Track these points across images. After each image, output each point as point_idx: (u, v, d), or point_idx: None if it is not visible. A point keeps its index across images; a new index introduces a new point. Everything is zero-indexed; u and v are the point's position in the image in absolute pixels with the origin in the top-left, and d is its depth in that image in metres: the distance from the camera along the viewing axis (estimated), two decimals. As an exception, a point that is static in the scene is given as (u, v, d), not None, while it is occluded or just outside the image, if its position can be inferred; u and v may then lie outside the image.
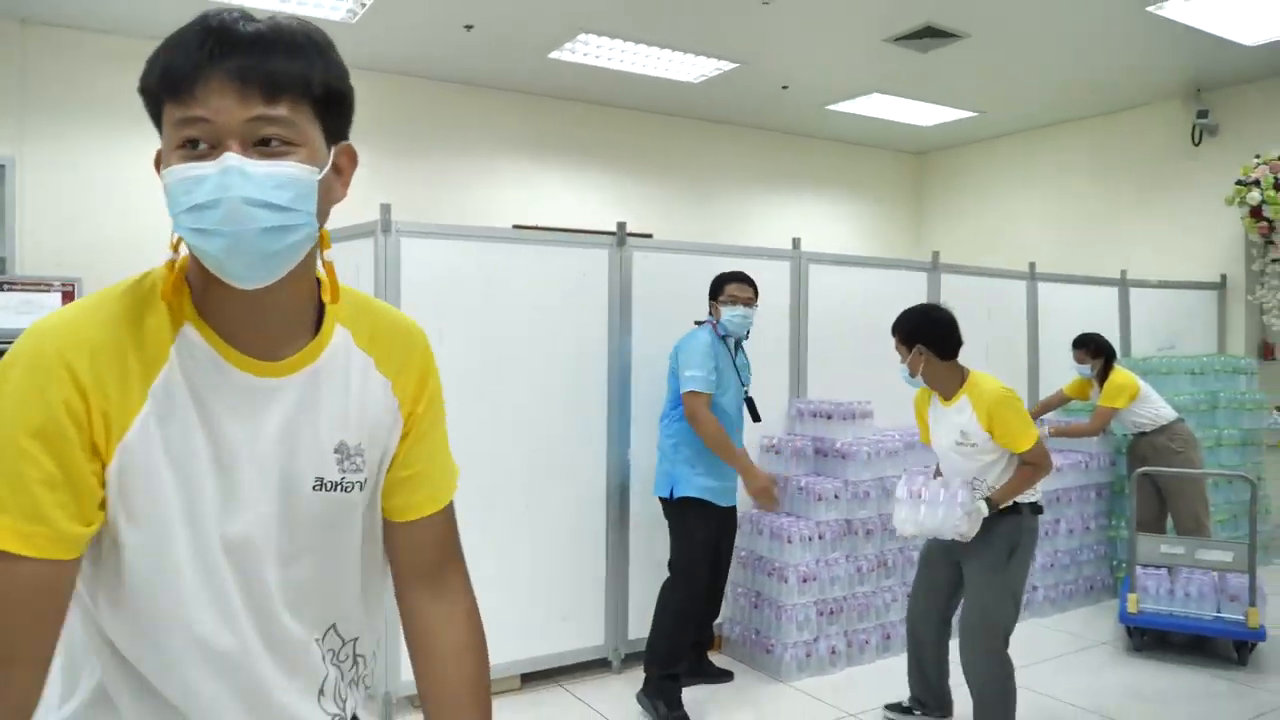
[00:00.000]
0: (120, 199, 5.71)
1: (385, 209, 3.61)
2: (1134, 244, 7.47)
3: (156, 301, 0.96)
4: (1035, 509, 3.24)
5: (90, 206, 5.72)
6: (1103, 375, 5.09)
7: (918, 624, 3.53)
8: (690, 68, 6.66)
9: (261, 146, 0.92)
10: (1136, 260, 7.12)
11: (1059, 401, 5.48)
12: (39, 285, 5.19)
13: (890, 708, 3.67)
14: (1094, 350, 5.15)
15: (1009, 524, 3.18)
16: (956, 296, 4.65)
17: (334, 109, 0.99)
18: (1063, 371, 5.48)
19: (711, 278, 3.90)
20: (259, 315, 1.00)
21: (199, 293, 0.98)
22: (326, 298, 1.05)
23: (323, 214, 0.99)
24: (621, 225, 4.23)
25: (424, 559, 1.17)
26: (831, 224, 8.97)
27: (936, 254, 5.39)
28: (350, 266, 3.59)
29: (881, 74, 6.85)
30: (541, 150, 7.41)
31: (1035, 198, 8.38)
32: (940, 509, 3.13)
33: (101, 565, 0.97)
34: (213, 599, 0.99)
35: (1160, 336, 6.60)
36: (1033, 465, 3.13)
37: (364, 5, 5.33)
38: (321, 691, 1.09)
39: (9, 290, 5.09)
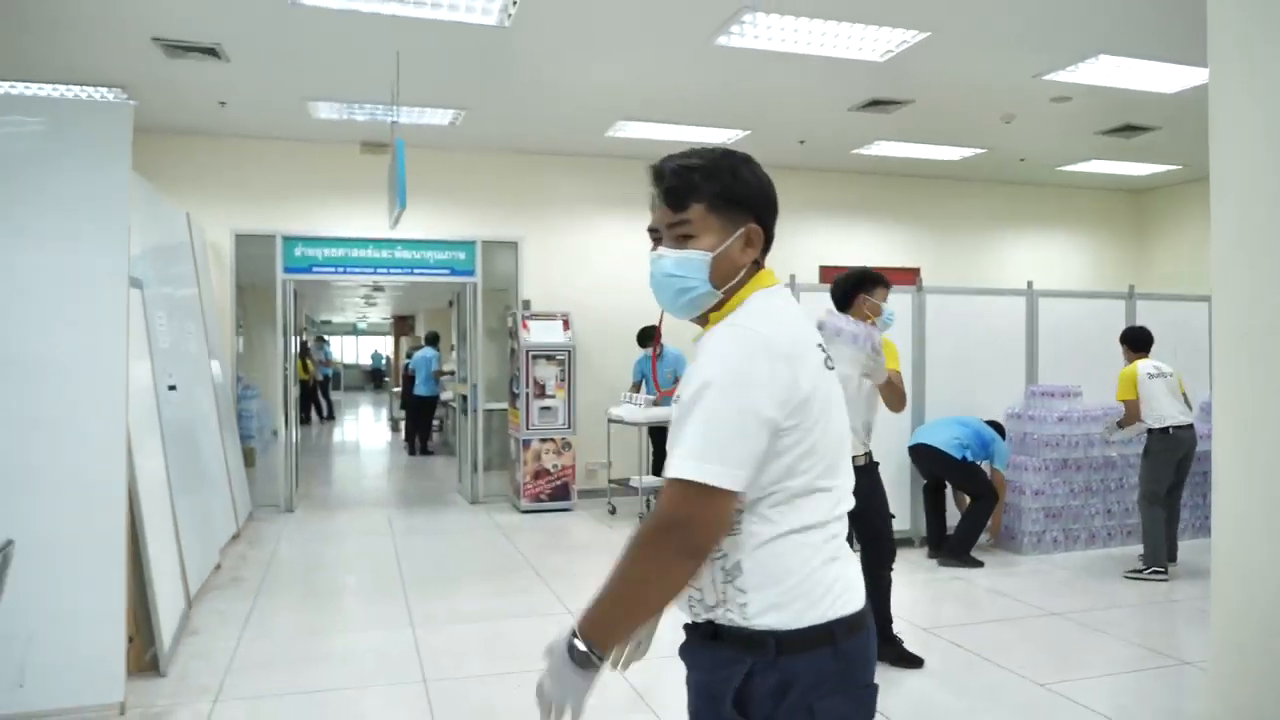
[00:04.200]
0: (583, 262, 9.15)
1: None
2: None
3: None
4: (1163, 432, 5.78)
5: (566, 267, 9.18)
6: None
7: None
8: (955, 152, 9.33)
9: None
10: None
11: None
12: (548, 315, 8.64)
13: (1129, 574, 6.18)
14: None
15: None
16: (1153, 318, 7.10)
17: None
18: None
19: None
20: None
21: None
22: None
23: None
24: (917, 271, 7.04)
25: None
26: (1055, 259, 11.28)
27: (1132, 286, 7.79)
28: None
29: (1099, 147, 9.21)
30: (848, 210, 10.36)
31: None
32: None
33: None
34: None
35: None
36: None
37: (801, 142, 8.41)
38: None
39: (534, 319, 8.55)
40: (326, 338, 29.88)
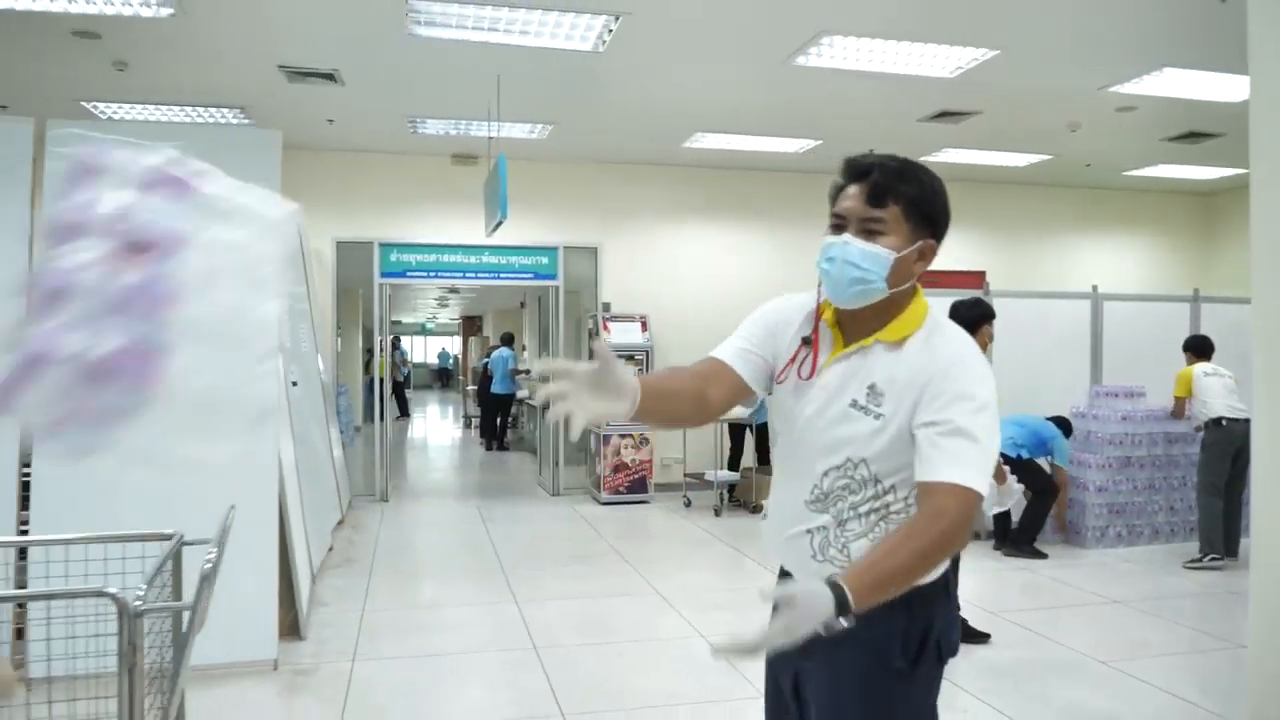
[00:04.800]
0: (660, 266, 9.60)
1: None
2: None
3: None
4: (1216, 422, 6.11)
5: (643, 271, 9.64)
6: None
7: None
8: (1022, 158, 9.59)
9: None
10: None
11: None
12: (627, 317, 9.11)
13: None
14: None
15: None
16: (1217, 320, 7.32)
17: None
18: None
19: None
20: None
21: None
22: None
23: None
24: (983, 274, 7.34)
25: None
26: (1121, 261, 11.43)
27: (1197, 290, 8.00)
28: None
29: (1166, 152, 9.38)
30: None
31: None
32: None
33: None
34: None
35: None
36: None
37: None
38: None
39: (614, 321, 9.02)
40: (401, 338, 30.81)
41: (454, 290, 17.20)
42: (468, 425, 18.19)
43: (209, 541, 2.86)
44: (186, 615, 2.31)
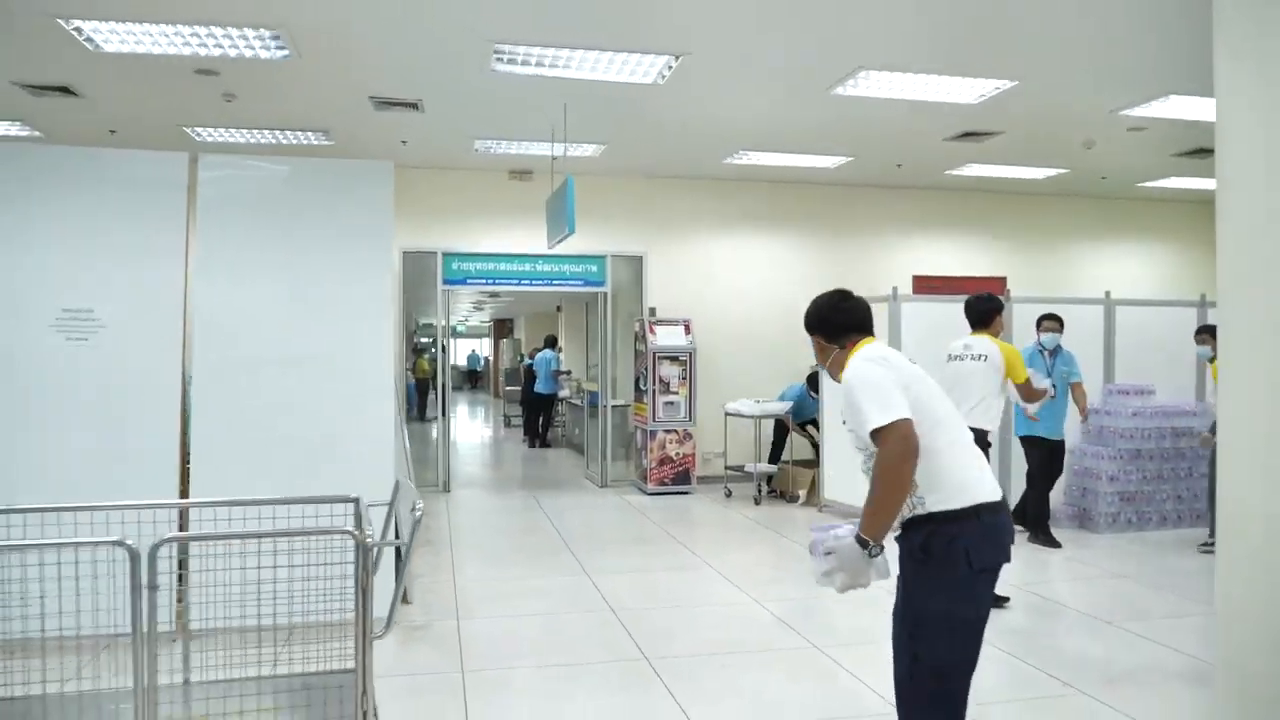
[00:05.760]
0: (702, 272, 10.32)
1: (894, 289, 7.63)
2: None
3: None
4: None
5: (686, 277, 10.36)
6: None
7: None
8: (1040, 172, 10.23)
9: None
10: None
11: None
12: (672, 321, 9.81)
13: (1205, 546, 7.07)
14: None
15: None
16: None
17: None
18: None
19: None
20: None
21: None
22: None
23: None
24: (1004, 280, 7.99)
25: None
26: (1137, 267, 12.03)
27: (1204, 295, 8.61)
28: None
29: (1177, 166, 9.99)
30: (941, 225, 11.30)
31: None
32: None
33: None
34: None
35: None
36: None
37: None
38: None
39: (660, 325, 9.74)
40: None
41: (494, 295, 17.94)
42: (507, 424, 18.94)
43: (385, 504, 3.61)
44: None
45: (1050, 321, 7.25)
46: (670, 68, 6.44)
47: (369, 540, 2.83)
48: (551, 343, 15.09)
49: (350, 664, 2.92)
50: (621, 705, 4.05)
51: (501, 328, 30.12)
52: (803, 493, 9.11)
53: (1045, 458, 7.23)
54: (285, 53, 6.13)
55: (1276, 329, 3.32)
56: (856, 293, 2.98)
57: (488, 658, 4.63)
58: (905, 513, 2.61)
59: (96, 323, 4.88)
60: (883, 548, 2.51)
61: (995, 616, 5.32)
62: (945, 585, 2.60)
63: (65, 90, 6.95)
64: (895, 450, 2.45)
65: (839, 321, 2.87)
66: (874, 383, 2.56)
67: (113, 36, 5.82)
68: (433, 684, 4.26)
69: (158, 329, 4.94)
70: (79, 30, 5.71)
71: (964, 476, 2.62)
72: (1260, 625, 3.31)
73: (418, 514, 2.98)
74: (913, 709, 2.67)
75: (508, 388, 20.66)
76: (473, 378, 35.16)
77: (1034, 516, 7.30)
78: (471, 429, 19.77)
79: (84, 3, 5.36)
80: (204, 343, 4.97)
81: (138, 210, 5.00)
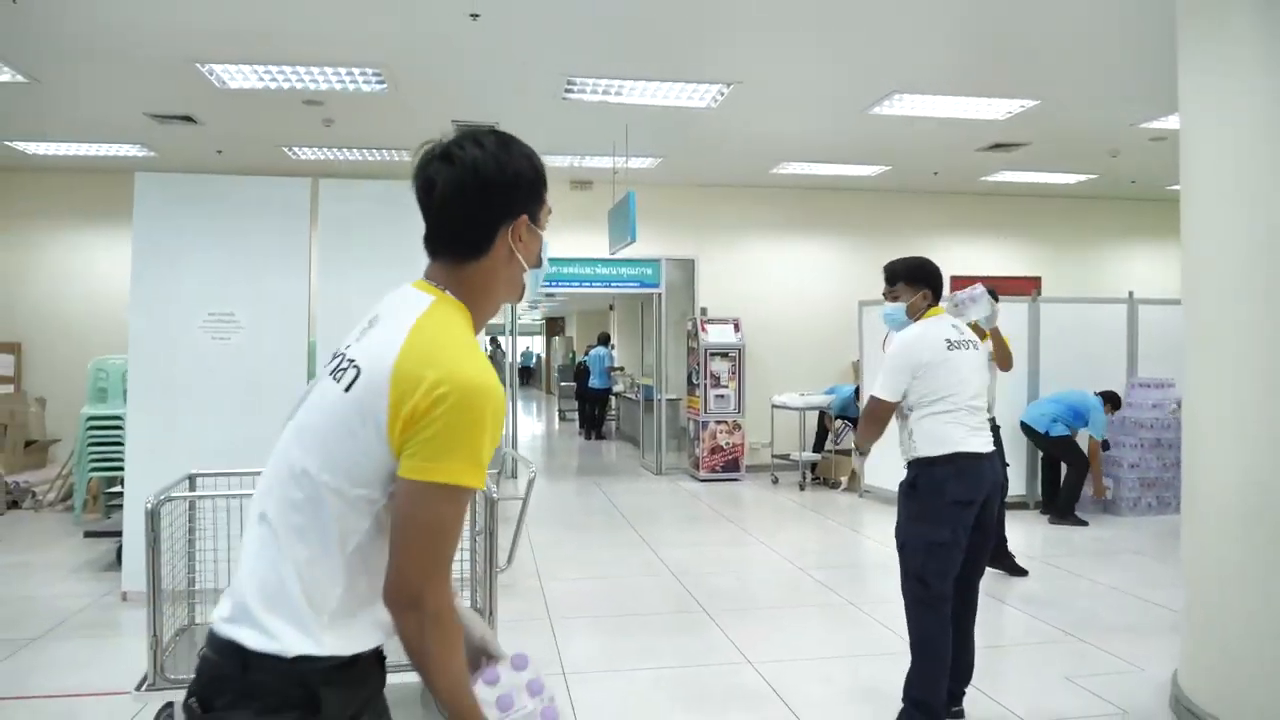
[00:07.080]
0: (749, 274, 11.07)
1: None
2: None
3: None
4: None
5: (735, 278, 11.10)
6: None
7: None
8: (1071, 177, 10.80)
9: None
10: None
11: None
12: (722, 320, 10.56)
13: None
14: None
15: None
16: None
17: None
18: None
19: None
20: None
21: None
22: None
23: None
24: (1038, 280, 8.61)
25: None
26: (1167, 266, 12.47)
27: (1225, 295, 9.14)
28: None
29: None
30: (975, 228, 11.91)
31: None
32: None
33: None
34: None
35: None
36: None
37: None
38: None
39: (711, 323, 10.49)
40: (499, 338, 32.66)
41: (549, 295, 18.78)
42: (562, 418, 19.80)
43: (495, 471, 4.41)
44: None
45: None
46: (722, 94, 7.19)
47: (494, 495, 3.63)
48: (604, 340, 15.90)
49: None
50: (685, 644, 4.83)
51: (553, 325, 31.04)
52: (844, 480, 9.79)
53: (1074, 446, 7.89)
54: (384, 86, 6.98)
55: (1236, 312, 3.84)
56: None
57: (569, 608, 5.43)
58: (904, 457, 3.49)
59: (236, 324, 5.75)
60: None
61: (1014, 583, 6.05)
62: (926, 513, 3.42)
63: (187, 119, 7.89)
64: (866, 416, 3.59)
65: (931, 269, 3.65)
66: (896, 366, 3.47)
67: (238, 75, 6.72)
68: (527, 627, 5.07)
69: (287, 330, 5.79)
70: (210, 70, 6.61)
71: (949, 432, 3.40)
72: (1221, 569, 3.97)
73: (532, 474, 3.77)
74: (909, 607, 3.55)
75: (561, 384, 21.51)
76: (525, 374, 36.15)
77: (1064, 499, 7.90)
78: (527, 423, 20.66)
79: (218, 49, 6.25)
80: (324, 342, 5.82)
81: (268, 228, 5.84)
